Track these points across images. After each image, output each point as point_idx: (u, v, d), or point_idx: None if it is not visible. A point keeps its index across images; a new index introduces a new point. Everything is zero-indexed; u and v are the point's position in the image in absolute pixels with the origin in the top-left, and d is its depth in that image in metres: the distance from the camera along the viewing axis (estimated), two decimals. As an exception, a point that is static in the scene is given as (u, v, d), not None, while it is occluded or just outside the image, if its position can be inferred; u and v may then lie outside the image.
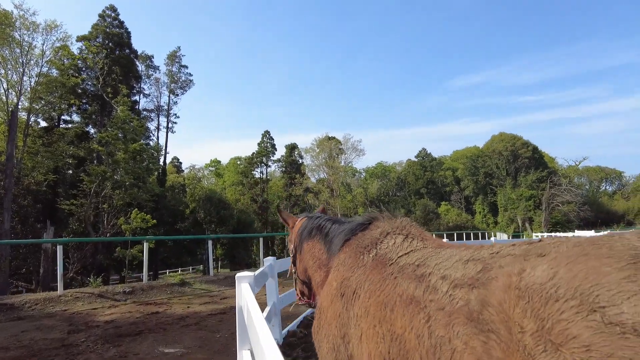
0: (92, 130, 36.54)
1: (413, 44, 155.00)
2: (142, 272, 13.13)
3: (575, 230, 43.21)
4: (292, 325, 6.61)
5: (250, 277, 3.31)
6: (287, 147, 64.02)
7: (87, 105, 36.37)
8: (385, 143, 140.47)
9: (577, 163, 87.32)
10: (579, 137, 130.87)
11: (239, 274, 3.36)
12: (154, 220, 27.02)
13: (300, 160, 64.78)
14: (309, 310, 7.68)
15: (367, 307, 1.77)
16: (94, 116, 36.39)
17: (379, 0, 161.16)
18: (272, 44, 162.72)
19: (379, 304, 1.70)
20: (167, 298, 10.86)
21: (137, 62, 43.53)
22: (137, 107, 43.62)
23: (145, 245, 12.93)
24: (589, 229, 52.96)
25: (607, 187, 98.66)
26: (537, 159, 79.92)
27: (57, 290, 10.32)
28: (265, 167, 62.29)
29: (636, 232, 1.10)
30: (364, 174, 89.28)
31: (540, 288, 1.07)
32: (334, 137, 63.34)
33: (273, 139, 62.70)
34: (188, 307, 9.68)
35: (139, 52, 43.70)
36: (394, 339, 1.54)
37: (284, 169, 63.76)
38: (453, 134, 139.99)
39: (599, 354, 0.86)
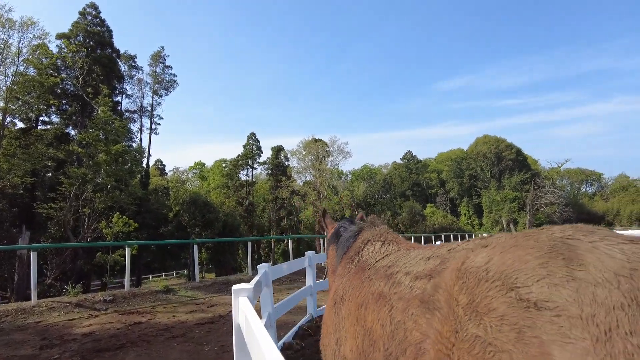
0: (73, 132, 35.39)
1: (396, 48, 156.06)
2: (125, 278, 12.45)
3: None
4: (287, 336, 6.16)
5: (248, 290, 2.86)
6: (273, 149, 63.39)
7: (66, 106, 35.21)
8: (371, 145, 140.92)
9: (560, 165, 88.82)
10: (560, 139, 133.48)
11: (235, 287, 2.90)
12: (136, 224, 26.17)
13: (287, 163, 64.18)
14: (304, 320, 7.25)
15: (349, 309, 1.99)
16: (74, 117, 35.26)
17: (362, 3, 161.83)
18: (258, 45, 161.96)
19: (357, 304, 1.91)
20: (151, 306, 10.26)
21: (120, 62, 42.46)
22: (119, 108, 42.59)
23: (128, 251, 12.27)
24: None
25: (588, 189, 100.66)
26: (520, 161, 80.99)
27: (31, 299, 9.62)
28: (250, 169, 61.53)
29: (564, 226, 1.29)
30: (350, 176, 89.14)
31: (475, 271, 1.29)
32: (320, 140, 62.95)
33: (259, 141, 62.02)
34: (173, 316, 9.12)
35: (122, 52, 42.68)
36: (365, 333, 1.75)
37: (270, 171, 63.07)
38: (438, 137, 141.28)
39: (508, 322, 1.10)
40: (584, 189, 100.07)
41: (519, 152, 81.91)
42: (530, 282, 1.12)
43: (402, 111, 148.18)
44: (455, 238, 45.13)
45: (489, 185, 78.85)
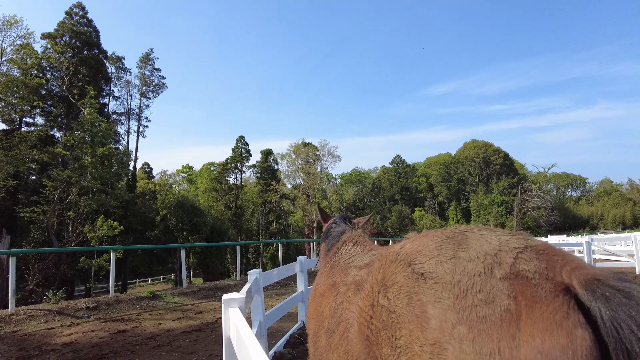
0: (58, 134, 34.62)
1: (386, 53, 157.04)
2: (109, 283, 12.06)
3: (548, 235, 43.97)
4: (279, 345, 5.94)
5: (240, 300, 2.65)
6: (262, 152, 63.04)
7: (51, 107, 34.47)
8: (361, 149, 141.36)
9: (546, 170, 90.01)
10: (546, 144, 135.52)
11: (226, 296, 2.69)
12: (122, 227, 25.61)
13: (276, 166, 63.86)
14: (294, 327, 7.03)
15: (314, 299, 2.28)
16: (59, 119, 34.54)
17: (354, 8, 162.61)
18: (248, 49, 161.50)
19: (319, 294, 2.19)
20: (136, 313, 9.92)
21: (107, 63, 41.81)
22: (106, 109, 41.87)
23: (113, 255, 11.90)
24: (558, 233, 54.22)
25: (573, 193, 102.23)
26: (508, 166, 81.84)
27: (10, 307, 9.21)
28: (239, 173, 61.01)
29: (472, 225, 1.56)
30: (339, 180, 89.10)
31: (391, 255, 1.58)
32: (310, 143, 62.83)
33: (248, 145, 61.59)
34: (159, 323, 8.82)
35: (109, 53, 42.05)
36: (318, 316, 2.03)
37: (259, 174, 62.66)
38: (426, 141, 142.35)
39: (404, 291, 1.38)
40: (569, 193, 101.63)
41: (506, 156, 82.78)
42: (424, 260, 1.42)
43: (391, 116, 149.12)
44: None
45: (477, 189, 79.47)
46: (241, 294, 2.71)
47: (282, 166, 64.41)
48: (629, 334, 0.98)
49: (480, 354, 1.09)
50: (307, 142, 62.94)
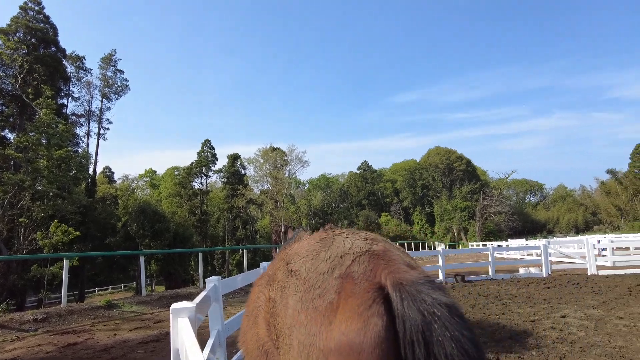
0: (10, 135, 32.76)
1: (354, 61, 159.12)
2: (62, 292, 11.39)
3: (509, 239, 45.50)
4: (239, 355, 5.75)
5: (189, 310, 2.50)
6: (229, 157, 62.06)
7: (3, 107, 32.60)
8: (329, 155, 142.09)
9: (507, 176, 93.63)
10: (507, 151, 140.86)
11: (174, 306, 2.54)
12: (77, 232, 24.40)
13: (243, 171, 62.99)
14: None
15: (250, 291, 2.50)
16: (11, 119, 32.67)
17: (321, 16, 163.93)
18: (215, 52, 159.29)
19: (254, 286, 2.32)
20: (90, 324, 9.41)
21: (66, 63, 40.08)
22: (64, 110, 40.09)
23: (65, 263, 11.26)
24: (518, 237, 56.34)
25: (531, 199, 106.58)
26: (470, 172, 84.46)
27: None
28: (205, 177, 59.77)
29: (346, 230, 1.87)
30: (307, 185, 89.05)
31: (283, 255, 1.92)
32: (278, 148, 62.42)
33: (214, 149, 60.49)
34: (115, 334, 8.39)
35: (69, 52, 40.33)
36: (248, 306, 2.17)
37: (225, 179, 61.61)
38: (392, 148, 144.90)
39: (280, 285, 1.69)
40: (528, 199, 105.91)
41: (469, 163, 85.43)
42: (296, 260, 1.71)
43: (359, 122, 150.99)
44: (409, 246, 45.99)
45: (441, 194, 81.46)
46: (191, 303, 2.56)
47: (250, 171, 63.66)
48: (409, 328, 1.25)
49: (309, 335, 1.41)
50: (275, 147, 62.47)
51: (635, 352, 5.14)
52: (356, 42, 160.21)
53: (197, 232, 51.67)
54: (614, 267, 15.47)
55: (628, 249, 22.62)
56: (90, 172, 41.81)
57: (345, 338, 1.29)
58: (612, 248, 17.89)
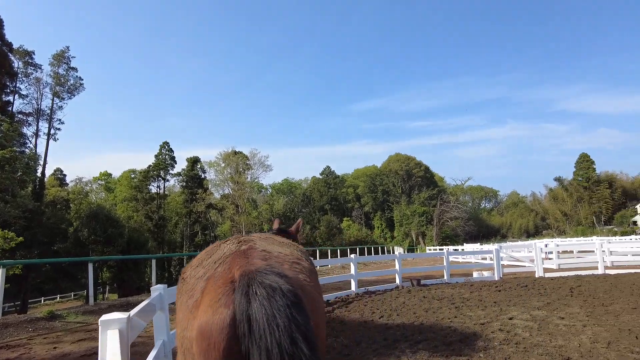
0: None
1: (315, 68, 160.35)
2: (5, 303, 10.55)
3: (464, 244, 46.99)
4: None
5: (120, 321, 2.34)
6: (188, 160, 60.51)
7: (-62, 103, 30.30)
8: (292, 160, 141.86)
9: (463, 182, 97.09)
10: (463, 159, 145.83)
11: (105, 317, 2.37)
12: (21, 238, 22.91)
13: (203, 175, 61.63)
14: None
15: None
16: (-52, 116, 30.39)
17: (285, 21, 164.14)
18: (173, 53, 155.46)
19: None
20: (28, 338, 8.76)
21: (12, 57, 37.81)
22: (9, 108, 37.82)
23: (1, 272, 10.48)
24: (473, 242, 58.34)
25: (486, 204, 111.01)
26: (428, 178, 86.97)
27: None
28: (163, 181, 57.96)
29: (233, 237, 2.35)
30: (270, 190, 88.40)
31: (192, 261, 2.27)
32: (240, 152, 61.56)
33: (173, 151, 58.81)
34: (55, 347, 7.85)
35: (16, 46, 38.06)
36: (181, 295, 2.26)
37: (184, 183, 59.97)
38: (354, 153, 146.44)
39: (178, 287, 2.06)
40: (483, 205, 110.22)
41: (427, 169, 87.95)
42: (189, 267, 2.10)
43: (322, 128, 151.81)
44: (369, 250, 46.54)
45: (400, 200, 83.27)
46: (123, 314, 2.39)
47: (210, 175, 62.41)
48: (239, 310, 1.49)
49: (183, 329, 1.75)
50: (237, 150, 61.61)
51: (572, 350, 5.40)
52: (322, 48, 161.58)
53: (153, 237, 49.94)
54: (559, 270, 16.27)
55: (572, 252, 23.96)
56: (39, 174, 39.58)
57: (201, 326, 1.57)
58: (558, 252, 18.83)
